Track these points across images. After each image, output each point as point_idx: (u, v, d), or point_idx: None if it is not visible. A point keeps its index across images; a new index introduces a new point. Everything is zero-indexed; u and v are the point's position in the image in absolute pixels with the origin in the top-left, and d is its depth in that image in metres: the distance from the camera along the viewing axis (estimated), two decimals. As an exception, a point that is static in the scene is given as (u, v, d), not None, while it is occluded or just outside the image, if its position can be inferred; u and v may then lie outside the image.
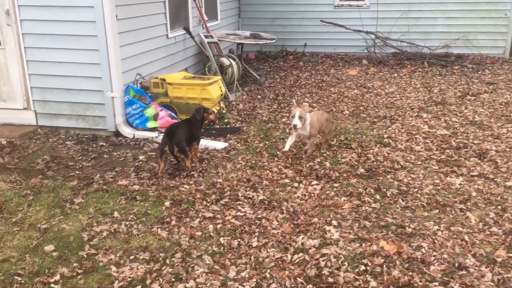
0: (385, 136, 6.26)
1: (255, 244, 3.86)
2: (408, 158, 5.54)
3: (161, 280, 3.42)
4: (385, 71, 10.21)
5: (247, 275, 3.47)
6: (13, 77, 6.48)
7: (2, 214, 4.34)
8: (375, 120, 6.99)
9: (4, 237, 3.96)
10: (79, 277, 3.47)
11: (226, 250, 3.79)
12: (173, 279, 3.43)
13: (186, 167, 5.21)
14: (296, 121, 5.23)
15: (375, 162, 5.41)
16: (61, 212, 4.38)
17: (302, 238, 3.91)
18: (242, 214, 4.34)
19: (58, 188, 4.81)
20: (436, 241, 3.86)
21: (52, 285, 3.37)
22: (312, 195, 4.68)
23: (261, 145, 6.03)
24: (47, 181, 4.97)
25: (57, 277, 3.44)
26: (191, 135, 5.26)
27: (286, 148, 5.50)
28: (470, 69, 10.07)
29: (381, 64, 10.79)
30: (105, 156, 5.75)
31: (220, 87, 7.14)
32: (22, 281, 3.40)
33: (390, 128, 6.58)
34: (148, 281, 3.40)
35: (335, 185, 4.89)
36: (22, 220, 4.24)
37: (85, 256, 3.72)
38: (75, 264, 3.61)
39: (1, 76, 6.52)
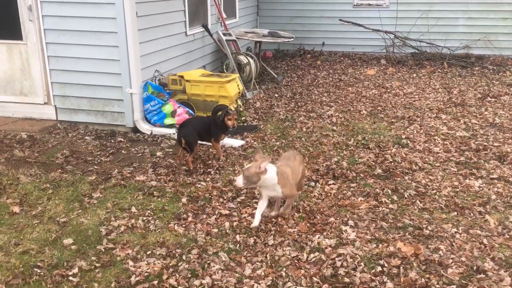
0: (403, 136, 6.21)
1: (271, 242, 3.87)
2: (426, 159, 5.49)
3: (177, 275, 3.45)
4: (403, 71, 10.11)
5: (262, 273, 3.47)
6: (35, 72, 6.58)
7: (22, 207, 4.41)
8: (393, 120, 6.94)
9: (24, 230, 4.03)
10: (96, 270, 3.51)
11: (242, 248, 3.80)
12: (189, 275, 3.45)
13: (186, 161, 5.24)
14: (238, 180, 3.83)
15: (392, 163, 5.37)
16: (79, 206, 4.44)
17: (318, 238, 3.90)
18: (258, 212, 4.34)
19: (77, 183, 4.87)
20: (454, 243, 3.82)
21: (70, 277, 3.41)
22: (329, 194, 4.67)
23: (277, 143, 6.03)
24: (66, 175, 5.04)
25: (75, 270, 3.49)
26: (208, 132, 5.31)
27: (255, 223, 3.99)
28: (491, 71, 9.92)
29: (400, 64, 10.69)
30: (123, 151, 5.81)
31: (238, 85, 7.15)
32: (41, 273, 3.45)
33: (408, 129, 6.52)
34: (164, 277, 3.43)
35: (352, 185, 4.86)
36: (41, 213, 4.30)
37: (103, 250, 3.76)
38: (93, 258, 3.65)
39: (23, 71, 6.63)
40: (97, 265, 3.57)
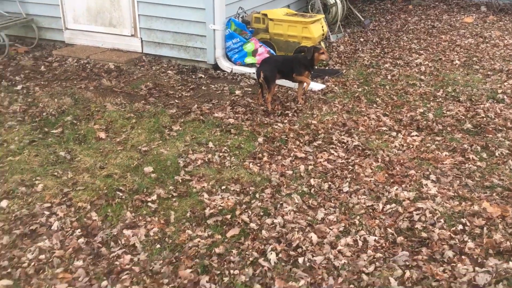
0: (499, 91, 5.70)
1: (346, 189, 3.78)
2: (524, 117, 5.02)
3: (250, 212, 3.48)
4: (506, 21, 9.18)
5: (335, 219, 3.42)
6: (123, 3, 6.69)
7: (108, 133, 4.62)
8: (489, 73, 6.37)
9: (109, 155, 4.23)
10: (173, 199, 3.63)
11: (315, 192, 3.75)
12: (262, 213, 3.48)
13: (265, 100, 5.17)
14: None
15: (485, 118, 4.97)
16: (160, 137, 4.57)
17: (396, 189, 3.75)
18: (335, 158, 4.24)
19: (158, 114, 5.00)
20: (547, 210, 3.51)
21: (149, 203, 3.57)
22: (411, 146, 4.44)
23: (360, 90, 5.78)
24: (149, 106, 5.19)
25: (154, 197, 3.63)
26: (290, 69, 5.21)
27: None
28: None
29: (502, 12, 9.70)
30: (203, 88, 5.85)
31: (322, 27, 6.86)
32: (123, 197, 3.63)
33: (506, 83, 5.97)
34: (237, 212, 3.48)
35: (437, 138, 4.58)
36: (125, 141, 4.48)
37: (180, 181, 3.87)
38: (170, 187, 3.77)
39: (112, 2, 6.76)
40: (174, 194, 3.69)
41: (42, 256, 3.00)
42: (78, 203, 3.52)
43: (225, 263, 3.00)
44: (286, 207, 3.54)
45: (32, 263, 2.94)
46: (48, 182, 3.76)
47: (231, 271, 2.92)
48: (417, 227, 3.30)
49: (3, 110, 4.92)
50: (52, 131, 4.57)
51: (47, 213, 3.40)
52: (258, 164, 4.14)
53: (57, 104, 5.11)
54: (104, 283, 2.80)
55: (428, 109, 5.23)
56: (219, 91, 5.75)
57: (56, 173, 3.89)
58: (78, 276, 2.85)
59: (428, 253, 3.06)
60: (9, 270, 2.88)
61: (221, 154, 4.29)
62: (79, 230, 3.24)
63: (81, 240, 3.14)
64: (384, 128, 4.77)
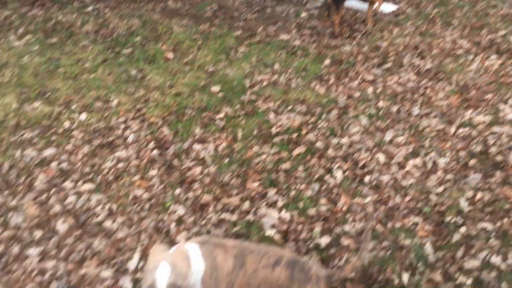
0: None
1: (416, 112, 3.67)
2: None
3: (316, 132, 3.49)
4: None
5: (404, 141, 3.35)
6: None
7: (175, 54, 4.67)
8: None
9: (177, 75, 4.31)
10: (240, 118, 3.69)
11: (384, 114, 3.67)
12: (328, 133, 3.47)
13: (332, 22, 4.97)
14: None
15: None
16: (226, 58, 4.57)
17: (471, 113, 3.59)
18: (405, 81, 4.09)
19: (224, 36, 4.97)
20: None
21: (217, 121, 3.64)
22: (489, 70, 4.18)
23: (435, 11, 5.42)
24: (214, 28, 5.16)
25: (222, 115, 3.71)
26: None
27: None
28: None
29: None
30: (267, 10, 5.71)
31: None
32: (192, 114, 3.73)
33: None
34: (303, 132, 3.49)
35: (519, 62, 4.28)
36: (192, 62, 4.53)
37: (246, 101, 3.91)
38: (237, 106, 3.82)
39: None
40: (241, 113, 3.74)
41: (120, 165, 3.19)
42: (150, 118, 3.66)
43: (292, 178, 3.06)
44: (353, 128, 3.51)
45: (112, 171, 3.14)
46: (122, 98, 3.91)
47: (298, 186, 2.98)
48: (491, 151, 3.18)
49: (76, 30, 5.08)
50: (123, 51, 4.69)
51: (122, 126, 3.57)
52: (325, 86, 4.08)
53: (127, 25, 5.20)
54: (178, 190, 2.96)
55: (510, 31, 4.85)
56: (285, 14, 5.60)
57: (128, 90, 4.04)
58: (153, 184, 3.02)
59: (502, 177, 2.97)
60: (91, 176, 3.10)
61: (287, 75, 4.25)
62: (152, 142, 3.40)
63: (155, 152, 3.30)
64: (460, 51, 4.50)
